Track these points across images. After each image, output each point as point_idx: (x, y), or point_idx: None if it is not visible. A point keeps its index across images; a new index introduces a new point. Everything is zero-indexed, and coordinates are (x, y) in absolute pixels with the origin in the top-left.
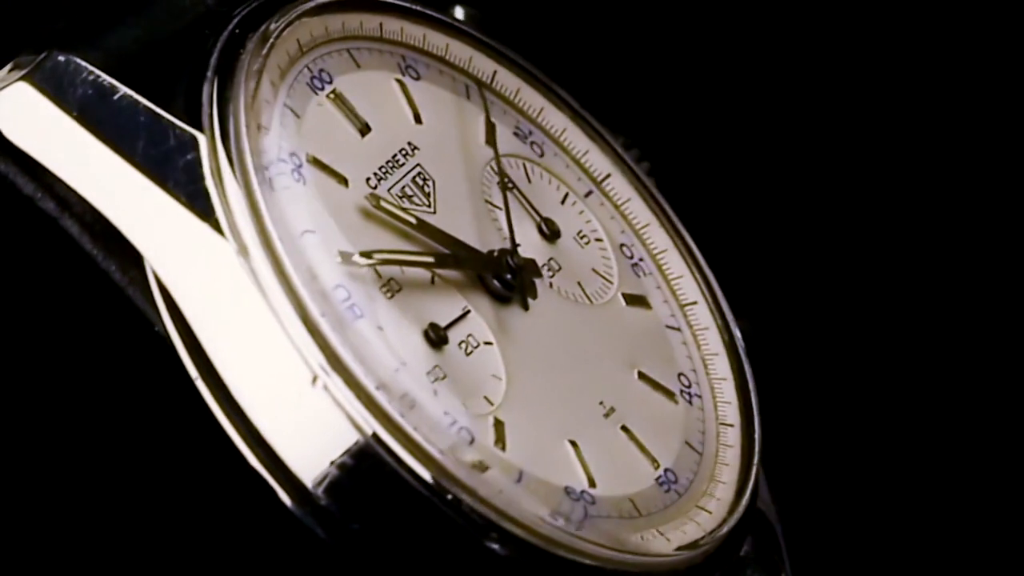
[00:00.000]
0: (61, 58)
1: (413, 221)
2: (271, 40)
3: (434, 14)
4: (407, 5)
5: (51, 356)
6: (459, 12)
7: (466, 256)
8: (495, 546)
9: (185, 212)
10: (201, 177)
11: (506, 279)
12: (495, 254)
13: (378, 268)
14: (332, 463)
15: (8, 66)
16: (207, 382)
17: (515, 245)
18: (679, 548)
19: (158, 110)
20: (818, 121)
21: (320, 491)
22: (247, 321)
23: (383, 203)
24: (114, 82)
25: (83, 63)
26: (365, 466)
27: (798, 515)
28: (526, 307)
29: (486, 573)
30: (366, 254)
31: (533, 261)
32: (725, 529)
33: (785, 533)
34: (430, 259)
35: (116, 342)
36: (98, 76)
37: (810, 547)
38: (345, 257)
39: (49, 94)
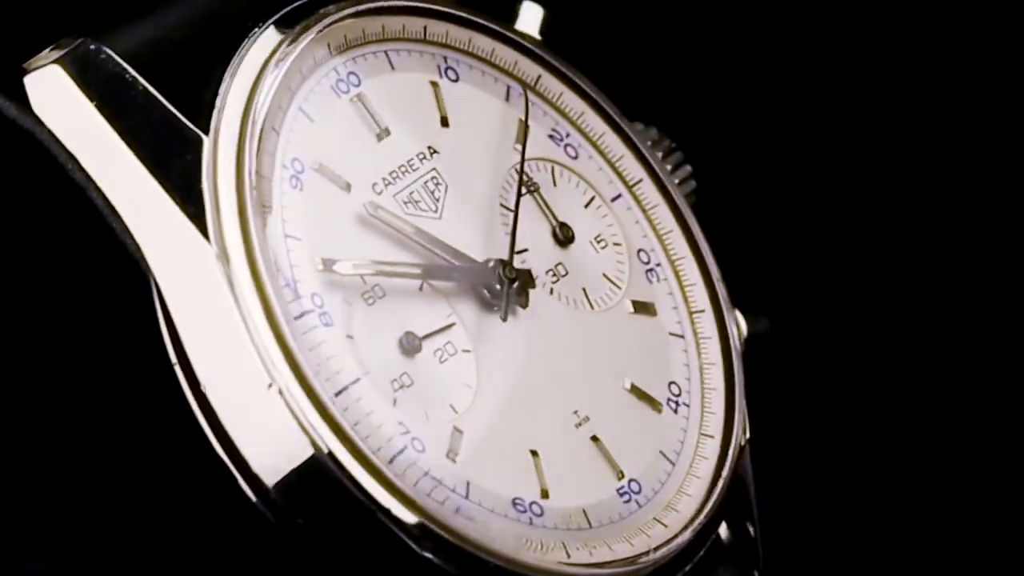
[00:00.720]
0: (92, 46)
1: (409, 229)
2: (298, 46)
3: (481, 20)
4: (453, 11)
5: (62, 319)
6: (531, 11)
7: (456, 266)
8: (429, 555)
9: (178, 212)
10: (198, 179)
11: (495, 289)
12: (489, 264)
13: (363, 275)
14: (281, 465)
15: (51, 47)
16: (184, 370)
17: (512, 255)
18: (617, 560)
19: (170, 108)
20: (848, 133)
21: (270, 486)
22: (220, 322)
23: (380, 211)
24: (136, 75)
25: (111, 53)
26: (311, 471)
27: (783, 519)
28: (504, 318)
29: None
30: (346, 264)
31: (527, 272)
32: (675, 544)
33: (769, 536)
34: (416, 270)
35: (127, 311)
36: (122, 68)
37: (793, 553)
38: (327, 265)
39: (76, 79)
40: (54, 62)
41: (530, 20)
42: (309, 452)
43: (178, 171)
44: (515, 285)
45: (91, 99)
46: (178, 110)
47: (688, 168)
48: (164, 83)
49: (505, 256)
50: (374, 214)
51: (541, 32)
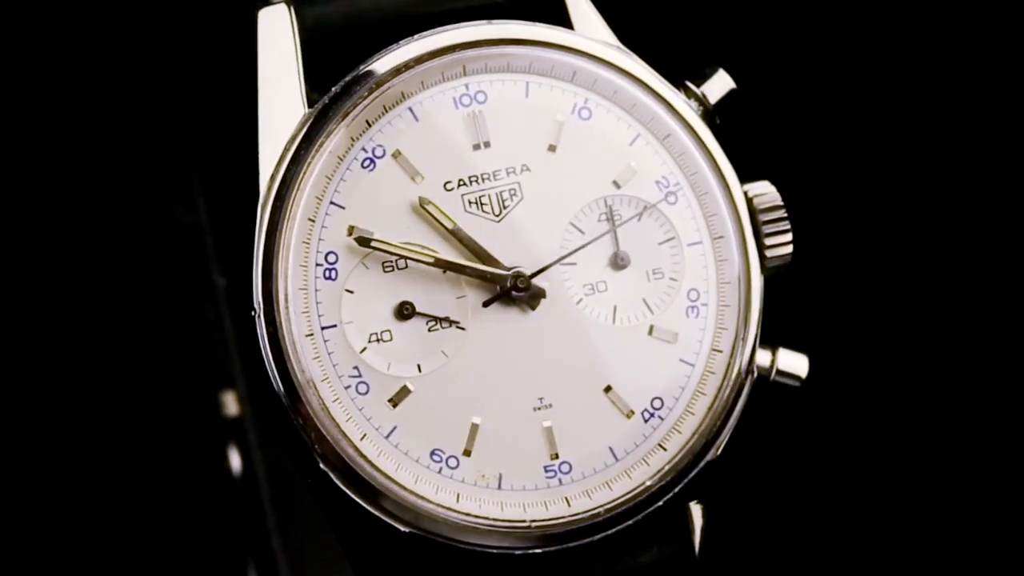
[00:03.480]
0: (279, 10)
1: (449, 226)
2: (431, 63)
3: (628, 83)
4: (607, 62)
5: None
6: (721, 80)
7: (470, 266)
8: (327, 471)
9: (269, 162)
10: (290, 143)
11: (507, 288)
12: (509, 270)
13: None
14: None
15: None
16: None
17: (543, 269)
18: (498, 519)
19: (300, 78)
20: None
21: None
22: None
23: (429, 204)
24: (295, 47)
25: (290, 21)
26: (267, 391)
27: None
28: (485, 305)
29: (325, 497)
30: (370, 238)
31: (541, 290)
32: (557, 523)
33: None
34: (428, 259)
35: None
36: (289, 37)
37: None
38: (352, 233)
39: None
40: (264, 8)
41: (715, 88)
42: (267, 372)
43: (276, 132)
44: (524, 292)
45: (281, 52)
46: (316, 80)
47: (788, 236)
48: (328, 52)
49: (536, 267)
50: (423, 206)
51: (718, 102)
